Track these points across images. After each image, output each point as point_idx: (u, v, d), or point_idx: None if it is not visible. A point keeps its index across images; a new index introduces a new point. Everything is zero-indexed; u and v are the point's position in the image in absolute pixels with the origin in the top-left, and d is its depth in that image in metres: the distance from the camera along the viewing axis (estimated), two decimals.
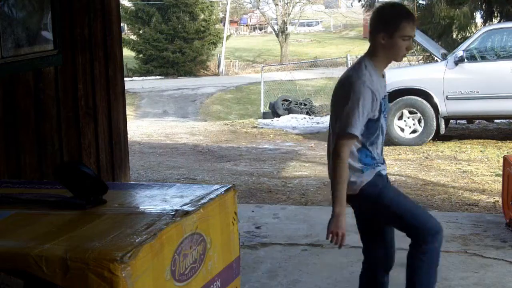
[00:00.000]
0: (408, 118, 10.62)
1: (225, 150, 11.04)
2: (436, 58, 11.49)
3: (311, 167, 8.96)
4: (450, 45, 13.69)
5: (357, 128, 2.88)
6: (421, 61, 15.01)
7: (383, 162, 3.11)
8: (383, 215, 3.10)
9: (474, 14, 15.07)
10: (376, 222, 3.18)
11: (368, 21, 3.08)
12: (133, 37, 35.57)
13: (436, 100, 10.25)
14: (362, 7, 18.17)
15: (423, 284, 3.08)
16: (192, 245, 1.93)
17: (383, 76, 3.05)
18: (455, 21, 14.55)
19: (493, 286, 4.02)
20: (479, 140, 10.61)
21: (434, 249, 3.03)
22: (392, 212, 3.04)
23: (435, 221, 3.04)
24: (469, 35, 13.69)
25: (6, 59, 3.85)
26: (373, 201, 3.03)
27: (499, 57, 10.47)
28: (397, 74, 11.43)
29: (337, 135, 2.93)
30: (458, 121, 12.27)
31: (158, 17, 33.72)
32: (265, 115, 17.22)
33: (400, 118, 10.64)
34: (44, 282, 1.65)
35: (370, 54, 3.00)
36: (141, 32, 34.37)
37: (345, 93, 2.92)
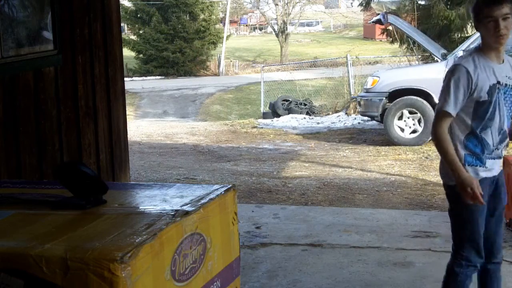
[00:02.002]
0: (408, 118, 10.62)
1: (225, 150, 11.04)
2: (436, 58, 11.49)
3: (311, 167, 8.96)
4: (449, 46, 13.70)
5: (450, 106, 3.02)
6: (421, 61, 15.01)
7: (495, 156, 3.10)
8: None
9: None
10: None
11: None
12: (133, 37, 35.58)
13: (436, 100, 10.24)
14: (358, 5, 18.16)
15: None
16: (192, 245, 1.93)
17: (503, 61, 3.10)
18: (453, 21, 14.57)
19: None
20: None
21: (462, 275, 3.25)
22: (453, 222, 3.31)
23: (476, 259, 3.19)
24: (468, 35, 13.70)
25: (6, 59, 3.85)
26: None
27: None
28: (397, 74, 11.44)
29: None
30: None
31: (158, 17, 33.72)
32: (265, 115, 17.22)
33: (400, 118, 10.64)
34: (44, 282, 1.65)
35: (480, 46, 3.12)
36: (141, 32, 34.38)
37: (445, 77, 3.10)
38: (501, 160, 3.18)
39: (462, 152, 3.06)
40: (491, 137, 3.06)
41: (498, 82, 3.04)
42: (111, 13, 4.99)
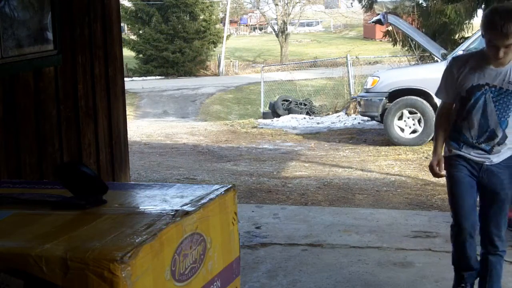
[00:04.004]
0: (408, 118, 10.62)
1: (225, 150, 11.04)
2: (436, 58, 11.49)
3: (311, 167, 8.96)
4: (448, 45, 13.69)
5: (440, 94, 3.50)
6: (421, 61, 15.01)
7: (479, 149, 3.38)
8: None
9: (474, 13, 15.05)
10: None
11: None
12: (133, 37, 35.56)
13: (436, 100, 10.25)
14: (362, 7, 18.17)
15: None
16: (192, 245, 1.93)
17: (505, 66, 3.25)
18: (449, 16, 14.54)
19: None
20: None
21: (452, 235, 3.64)
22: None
23: (460, 219, 3.48)
24: (467, 36, 13.69)
25: (6, 59, 3.85)
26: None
27: None
28: (397, 74, 11.44)
29: None
30: None
31: (158, 17, 33.72)
32: (265, 115, 17.22)
33: (400, 118, 10.64)
34: (44, 282, 1.65)
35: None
36: (141, 32, 34.36)
37: None
38: (496, 154, 3.35)
39: (450, 132, 3.48)
40: (468, 131, 3.37)
41: (487, 84, 3.23)
42: (111, 13, 4.99)
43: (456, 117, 3.42)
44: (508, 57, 3.18)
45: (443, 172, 3.52)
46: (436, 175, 3.56)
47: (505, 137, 3.32)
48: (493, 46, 3.14)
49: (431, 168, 3.55)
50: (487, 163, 3.37)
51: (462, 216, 3.45)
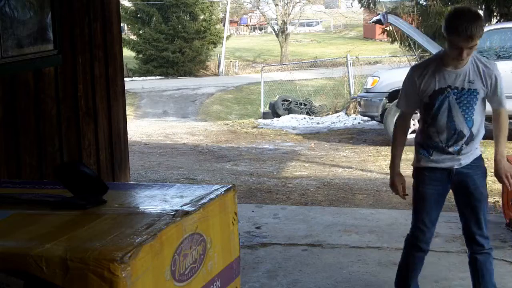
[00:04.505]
0: None
1: (225, 150, 11.04)
2: None
3: (311, 167, 8.96)
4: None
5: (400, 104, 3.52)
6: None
7: (449, 153, 3.39)
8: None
9: None
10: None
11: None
12: (133, 37, 35.55)
13: None
14: (361, 7, 18.17)
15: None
16: (192, 245, 1.93)
17: (463, 66, 3.31)
18: None
19: None
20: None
21: (405, 251, 3.63)
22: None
23: (420, 239, 3.50)
24: None
25: (6, 59, 3.85)
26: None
27: (499, 57, 10.46)
28: (397, 74, 11.43)
29: None
30: None
31: (158, 17, 33.71)
32: (265, 115, 17.22)
33: None
34: (44, 282, 1.65)
35: (442, 52, 3.44)
36: (141, 32, 34.35)
37: None
38: (465, 155, 3.39)
39: (417, 140, 3.48)
40: (437, 135, 3.37)
41: (449, 87, 3.30)
42: (111, 13, 4.99)
43: (422, 124, 3.43)
44: (468, 58, 3.27)
45: (405, 192, 3.53)
46: (398, 193, 3.53)
47: (472, 135, 3.37)
48: (457, 48, 3.19)
49: (394, 187, 3.53)
50: (456, 167, 3.39)
51: (421, 230, 3.48)
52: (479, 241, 3.47)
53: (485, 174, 3.48)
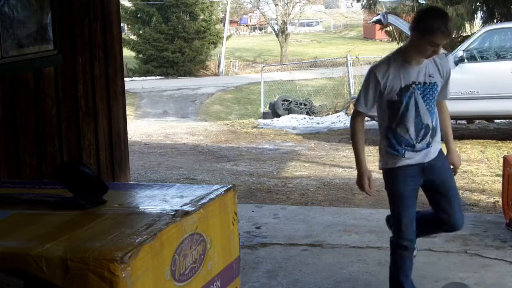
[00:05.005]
0: None
1: (225, 150, 11.04)
2: None
3: (311, 167, 8.96)
4: (448, 45, 13.68)
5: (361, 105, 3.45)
6: None
7: (419, 148, 3.45)
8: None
9: (475, 14, 15.06)
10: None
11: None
12: (133, 37, 35.54)
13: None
14: (362, 8, 18.17)
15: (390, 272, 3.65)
16: (192, 245, 1.93)
17: (423, 62, 3.40)
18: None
19: (493, 286, 4.02)
20: (479, 140, 10.60)
21: (392, 253, 3.61)
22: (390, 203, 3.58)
23: (404, 237, 3.51)
24: (467, 35, 13.69)
25: (6, 59, 3.85)
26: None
27: (499, 57, 10.46)
28: None
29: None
30: (458, 121, 12.27)
31: (158, 17, 33.71)
32: (265, 115, 17.22)
33: None
34: (44, 282, 1.65)
35: (402, 48, 3.49)
36: (141, 32, 34.35)
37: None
38: (433, 148, 3.48)
39: (384, 141, 3.49)
40: (407, 132, 3.41)
41: (413, 83, 3.38)
42: (111, 13, 4.99)
43: (389, 124, 3.45)
44: None
45: (373, 190, 3.58)
46: (365, 190, 3.54)
47: (435, 128, 3.47)
48: (433, 45, 3.28)
49: (362, 186, 3.53)
50: (427, 160, 3.46)
51: (403, 229, 3.51)
52: (456, 224, 3.58)
53: (449, 165, 3.62)
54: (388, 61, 3.44)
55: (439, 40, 3.26)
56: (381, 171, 3.59)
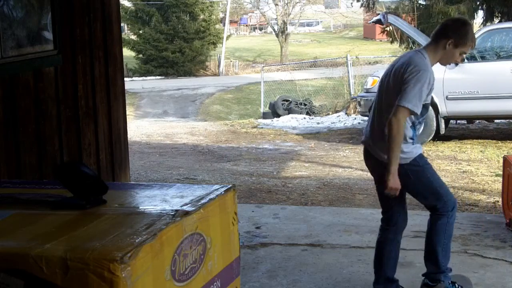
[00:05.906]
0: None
1: (225, 150, 11.04)
2: None
3: (311, 167, 8.96)
4: None
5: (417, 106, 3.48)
6: None
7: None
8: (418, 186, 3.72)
9: (475, 13, 15.06)
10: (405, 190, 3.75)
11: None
12: (133, 37, 35.57)
13: (436, 100, 10.23)
14: (361, 6, 18.17)
15: (442, 244, 3.83)
16: (192, 245, 1.93)
17: None
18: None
19: (493, 286, 4.02)
20: (479, 140, 10.60)
21: (452, 220, 3.77)
22: (428, 186, 3.69)
23: (454, 198, 3.77)
24: None
25: (6, 59, 3.85)
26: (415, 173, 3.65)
27: (499, 57, 10.46)
28: None
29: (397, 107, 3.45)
30: (458, 121, 12.27)
31: (158, 17, 33.72)
32: (265, 115, 17.22)
33: None
34: (44, 282, 1.65)
35: (424, 52, 3.61)
36: (141, 32, 34.37)
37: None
38: None
39: (408, 137, 3.58)
40: (420, 128, 3.80)
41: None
42: (111, 13, 4.99)
43: (412, 123, 3.60)
44: None
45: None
46: (396, 189, 3.58)
47: None
48: (462, 54, 3.60)
49: (397, 187, 3.56)
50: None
51: (451, 194, 3.78)
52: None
53: None
54: (428, 62, 3.57)
55: (468, 50, 3.57)
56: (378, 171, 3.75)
